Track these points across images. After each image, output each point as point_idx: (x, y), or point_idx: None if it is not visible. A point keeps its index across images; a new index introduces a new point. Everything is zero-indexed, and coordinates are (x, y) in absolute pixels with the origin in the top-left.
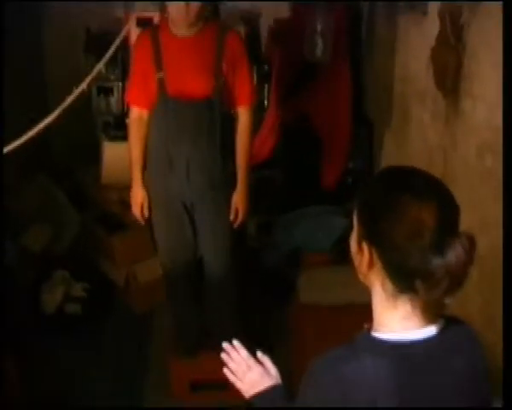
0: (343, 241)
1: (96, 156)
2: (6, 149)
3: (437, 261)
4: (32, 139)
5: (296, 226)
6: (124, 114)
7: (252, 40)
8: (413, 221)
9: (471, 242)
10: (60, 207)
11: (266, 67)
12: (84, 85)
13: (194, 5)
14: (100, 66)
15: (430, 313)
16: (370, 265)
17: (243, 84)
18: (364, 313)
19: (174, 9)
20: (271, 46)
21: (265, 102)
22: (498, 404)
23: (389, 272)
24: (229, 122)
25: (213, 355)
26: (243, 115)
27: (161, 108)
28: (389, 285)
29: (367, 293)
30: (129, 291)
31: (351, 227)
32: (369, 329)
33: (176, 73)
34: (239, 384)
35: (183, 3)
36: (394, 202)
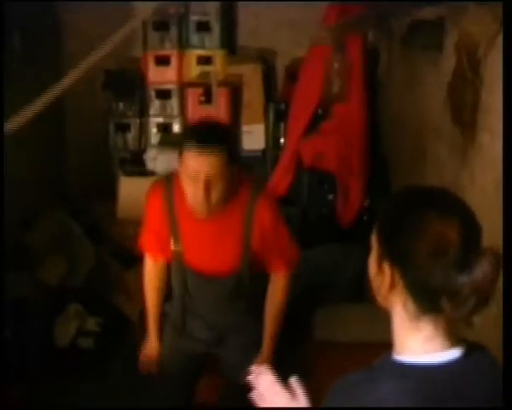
0: (359, 279)
1: (112, 191)
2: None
3: (463, 279)
4: (48, 173)
5: (312, 264)
6: (141, 150)
7: (268, 79)
8: (436, 238)
9: (497, 257)
10: (75, 240)
11: (283, 105)
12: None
13: (219, 187)
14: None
15: (452, 335)
16: (392, 285)
17: (282, 250)
18: (381, 351)
19: (190, 191)
20: (288, 85)
21: (281, 141)
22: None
23: (412, 292)
24: (259, 286)
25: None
26: (280, 281)
27: (178, 275)
28: (411, 306)
29: (383, 331)
30: (143, 327)
31: (369, 248)
32: (390, 353)
33: (195, 249)
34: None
35: (200, 188)
36: (416, 220)
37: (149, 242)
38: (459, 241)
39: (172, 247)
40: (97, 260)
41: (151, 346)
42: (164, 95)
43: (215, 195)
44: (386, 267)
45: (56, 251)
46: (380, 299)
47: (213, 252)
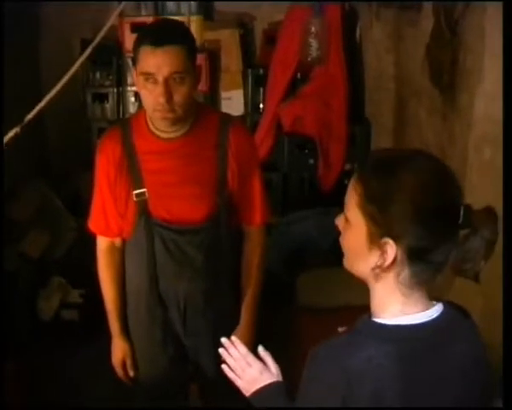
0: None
1: (91, 162)
2: (6, 139)
3: (471, 243)
4: (28, 144)
5: (294, 229)
6: (119, 119)
7: (246, 43)
8: (439, 205)
9: (494, 215)
10: (57, 213)
11: (262, 70)
12: (64, 81)
13: (182, 91)
14: (78, 64)
15: (429, 296)
16: (394, 261)
17: (254, 197)
18: (361, 314)
19: (149, 101)
20: (266, 49)
21: (261, 106)
22: (498, 404)
23: (414, 264)
24: (235, 244)
25: None
26: (255, 236)
27: (143, 235)
28: (406, 277)
29: (365, 295)
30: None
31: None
32: (369, 316)
33: (161, 189)
34: (238, 382)
35: (160, 90)
36: (416, 191)
37: (101, 221)
38: (455, 201)
39: (134, 198)
40: (79, 231)
41: (119, 347)
42: None
43: (178, 98)
44: (387, 244)
45: (38, 223)
46: (366, 273)
47: (184, 192)
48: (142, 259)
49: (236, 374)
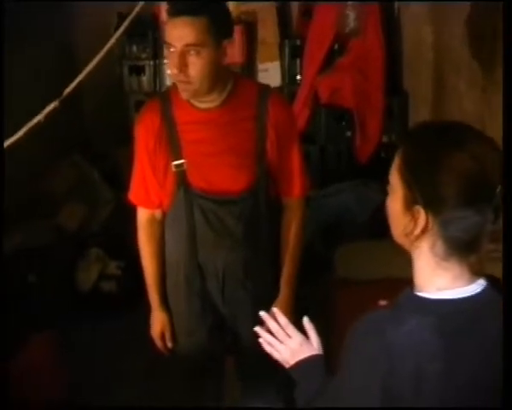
0: (379, 214)
1: (129, 135)
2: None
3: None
4: (65, 117)
5: (331, 201)
6: (156, 91)
7: (283, 15)
8: (471, 177)
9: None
10: (94, 185)
11: (298, 41)
12: (99, 57)
13: (198, 64)
14: (119, 33)
15: (474, 271)
16: (425, 229)
17: (293, 169)
18: (401, 287)
19: (171, 74)
20: (303, 20)
21: (298, 77)
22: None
23: (445, 236)
24: (274, 215)
25: None
26: (294, 209)
27: (182, 206)
28: (441, 248)
29: (403, 267)
30: None
31: (387, 187)
32: (412, 289)
33: (200, 159)
34: (276, 355)
35: (173, 61)
36: (449, 160)
37: (142, 192)
38: (492, 178)
39: (173, 169)
40: (116, 203)
41: (158, 320)
42: None
43: (192, 71)
44: (419, 211)
45: (75, 197)
46: (403, 241)
47: (223, 162)
48: (181, 230)
49: (275, 348)
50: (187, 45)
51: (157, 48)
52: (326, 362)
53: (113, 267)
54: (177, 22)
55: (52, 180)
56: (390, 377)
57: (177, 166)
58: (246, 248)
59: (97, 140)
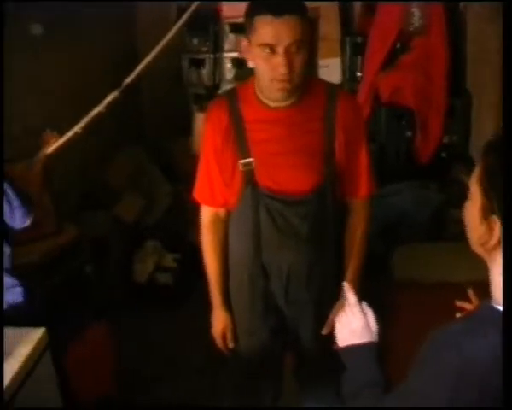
0: (438, 216)
1: (187, 127)
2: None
3: None
4: (125, 109)
5: (390, 201)
6: (215, 85)
7: (345, 11)
8: None
9: None
10: (152, 178)
11: (360, 38)
12: (160, 47)
13: (299, 60)
14: (178, 26)
15: None
16: (501, 240)
17: (360, 169)
18: (459, 291)
19: (266, 71)
20: (365, 17)
21: (358, 75)
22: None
23: None
24: (339, 216)
25: None
26: (359, 209)
27: (248, 205)
28: None
29: (464, 271)
30: None
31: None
32: (489, 300)
33: (269, 158)
34: (338, 327)
35: (280, 60)
36: None
37: (207, 191)
38: None
39: (241, 168)
40: (174, 196)
41: (220, 319)
42: (238, 29)
43: (296, 67)
44: (495, 221)
45: (133, 189)
46: (480, 250)
47: (291, 162)
48: (246, 229)
49: (340, 322)
50: (291, 44)
51: (217, 41)
52: (379, 353)
53: (170, 260)
54: (277, 22)
55: (111, 172)
56: (459, 390)
57: (244, 164)
58: (310, 250)
59: (155, 132)
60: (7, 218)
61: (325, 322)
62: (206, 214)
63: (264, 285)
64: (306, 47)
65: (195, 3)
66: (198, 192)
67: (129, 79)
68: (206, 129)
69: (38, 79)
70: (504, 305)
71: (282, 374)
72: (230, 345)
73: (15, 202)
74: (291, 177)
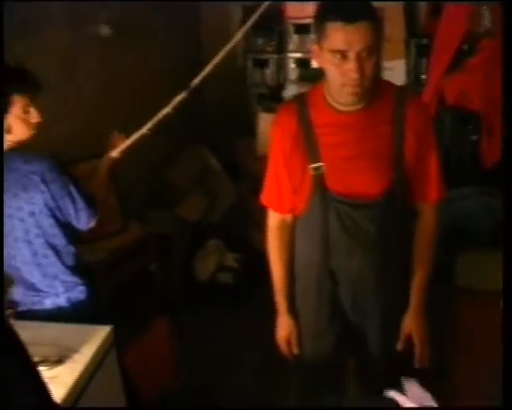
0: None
1: (250, 127)
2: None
3: None
4: (188, 111)
5: (454, 207)
6: (279, 85)
7: (410, 12)
8: None
9: None
10: (216, 177)
11: (425, 40)
12: (228, 48)
13: (370, 65)
14: (245, 28)
15: None
16: None
17: (430, 173)
18: None
19: (337, 76)
20: (431, 18)
21: (423, 77)
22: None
23: None
24: (407, 221)
25: None
26: (428, 214)
27: (318, 209)
28: None
29: None
30: None
31: None
32: None
33: (339, 162)
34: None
35: (352, 66)
36: None
37: (275, 195)
38: None
39: (311, 172)
40: (236, 196)
41: (285, 325)
42: (303, 29)
43: (367, 72)
44: None
45: (197, 188)
46: None
47: (360, 166)
48: (315, 234)
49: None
50: (362, 49)
51: (282, 41)
52: None
53: (231, 259)
54: (349, 28)
55: (175, 170)
56: None
57: (314, 169)
58: (379, 254)
59: (219, 132)
60: (72, 219)
61: (390, 328)
62: (274, 220)
63: (332, 290)
64: (377, 52)
65: (264, 4)
66: (266, 197)
67: (196, 81)
68: (275, 134)
69: (104, 78)
70: (504, 305)
71: (346, 377)
72: (295, 351)
73: (80, 204)
74: (360, 181)
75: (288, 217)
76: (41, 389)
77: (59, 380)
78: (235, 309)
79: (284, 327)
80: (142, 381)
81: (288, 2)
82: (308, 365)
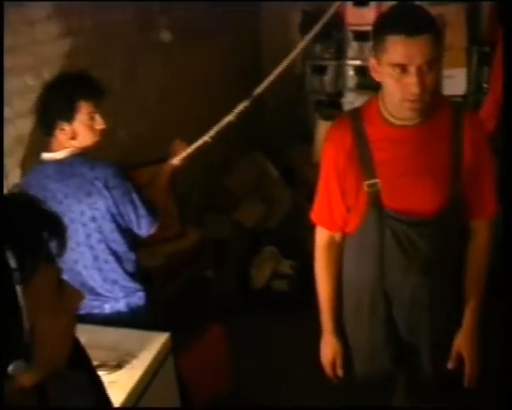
0: None
1: (308, 134)
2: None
3: None
4: (242, 114)
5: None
6: (337, 93)
7: (472, 19)
8: None
9: None
10: (273, 184)
11: (488, 48)
12: (290, 57)
13: (430, 79)
14: (308, 38)
15: None
16: None
17: (486, 189)
18: None
19: (396, 91)
20: (494, 25)
21: (484, 86)
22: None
23: None
24: (461, 238)
25: None
26: (483, 230)
27: (373, 227)
28: None
29: None
30: None
31: None
32: None
33: (394, 179)
34: None
35: (413, 80)
36: None
37: (325, 212)
38: None
39: (366, 189)
40: (293, 203)
41: (331, 346)
42: (362, 37)
43: (428, 86)
44: None
45: (254, 194)
46: None
47: (417, 182)
48: (369, 253)
49: None
50: (423, 63)
51: (341, 48)
52: None
53: (286, 266)
54: (410, 42)
55: (232, 176)
56: None
57: (370, 185)
58: (435, 273)
59: (276, 138)
60: (133, 225)
61: (442, 348)
62: (322, 237)
63: (385, 311)
64: (437, 65)
65: (328, 13)
66: (316, 214)
67: (259, 89)
68: (328, 150)
69: (164, 84)
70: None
71: (394, 396)
72: (340, 373)
73: (142, 211)
74: (417, 197)
75: (338, 235)
76: (102, 395)
77: (118, 385)
78: (289, 316)
79: (329, 348)
80: (195, 386)
81: (347, 9)
82: (358, 385)
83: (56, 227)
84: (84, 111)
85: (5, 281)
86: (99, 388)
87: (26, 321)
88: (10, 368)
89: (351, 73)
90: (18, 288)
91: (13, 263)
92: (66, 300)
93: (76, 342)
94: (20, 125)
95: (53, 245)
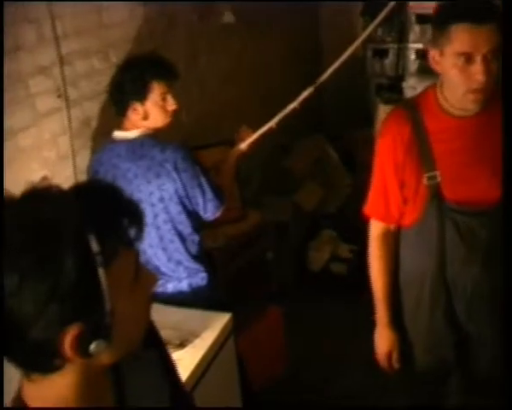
0: None
1: (368, 118)
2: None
3: None
4: (305, 101)
5: None
6: (398, 76)
7: None
8: None
9: None
10: (333, 168)
11: None
12: (355, 45)
13: (494, 68)
14: (372, 26)
15: None
16: None
17: None
18: None
19: (461, 81)
20: None
21: None
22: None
23: None
24: None
25: None
26: None
27: (433, 219)
28: None
29: None
30: None
31: None
32: None
33: (454, 170)
34: None
35: (478, 68)
36: None
37: (380, 205)
38: None
39: (426, 182)
40: (353, 187)
41: (386, 338)
42: (424, 19)
43: (492, 75)
44: None
45: (314, 177)
46: None
47: (477, 173)
48: (430, 244)
49: None
50: (489, 51)
51: (403, 32)
52: None
53: (346, 250)
54: (477, 30)
55: (293, 159)
56: None
57: (429, 178)
58: (497, 263)
59: (336, 122)
60: (200, 208)
61: (502, 340)
62: (377, 229)
63: (447, 302)
64: (499, 55)
65: (390, 5)
66: (370, 207)
67: (323, 77)
68: (384, 142)
69: (225, 67)
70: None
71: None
72: (396, 366)
73: (209, 195)
74: (478, 187)
75: (393, 226)
76: (172, 373)
77: (180, 364)
78: (347, 300)
79: (385, 340)
80: (254, 366)
81: None
82: (418, 377)
83: (135, 213)
84: (156, 91)
85: (88, 264)
86: (169, 366)
87: (107, 303)
88: (92, 347)
89: (412, 57)
90: (100, 271)
91: (95, 247)
92: (142, 283)
93: (150, 323)
94: (87, 108)
95: (132, 230)
